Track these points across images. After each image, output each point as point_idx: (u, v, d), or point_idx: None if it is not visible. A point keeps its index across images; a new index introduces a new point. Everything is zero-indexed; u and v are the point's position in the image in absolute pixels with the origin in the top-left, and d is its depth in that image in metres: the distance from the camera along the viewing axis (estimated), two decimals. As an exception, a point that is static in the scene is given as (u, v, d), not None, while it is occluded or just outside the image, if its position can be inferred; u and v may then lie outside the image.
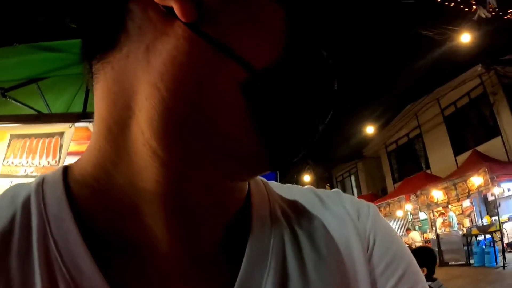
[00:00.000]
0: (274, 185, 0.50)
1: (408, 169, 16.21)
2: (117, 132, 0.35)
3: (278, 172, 4.88)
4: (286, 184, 0.52)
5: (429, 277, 3.02)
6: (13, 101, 2.65)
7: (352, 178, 22.04)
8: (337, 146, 21.96)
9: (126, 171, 0.35)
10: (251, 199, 0.43)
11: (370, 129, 16.91)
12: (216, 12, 0.31)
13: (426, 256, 3.15)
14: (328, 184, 25.01)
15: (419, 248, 3.68)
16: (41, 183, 0.37)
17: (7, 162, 2.39)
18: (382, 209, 15.03)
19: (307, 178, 26.12)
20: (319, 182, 25.73)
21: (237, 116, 0.33)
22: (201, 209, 0.38)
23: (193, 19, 0.31)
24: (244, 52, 0.32)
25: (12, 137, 2.41)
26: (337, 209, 0.47)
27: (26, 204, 0.35)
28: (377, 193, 18.28)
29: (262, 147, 0.35)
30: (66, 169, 0.39)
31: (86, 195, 0.37)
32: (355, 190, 21.58)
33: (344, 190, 22.93)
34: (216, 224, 0.40)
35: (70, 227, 0.34)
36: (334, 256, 0.42)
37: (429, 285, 2.84)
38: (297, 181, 29.47)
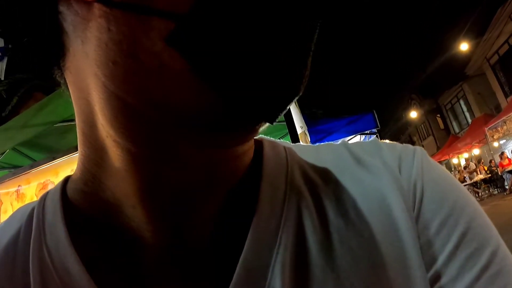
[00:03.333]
0: (299, 147, 0.44)
1: (518, 77, 14.59)
2: (88, 132, 0.35)
3: (374, 113, 4.83)
4: (316, 144, 0.45)
5: None
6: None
7: (461, 102, 20.39)
8: (436, 73, 20.54)
9: (105, 168, 0.35)
10: (263, 166, 0.38)
11: (464, 46, 15.57)
12: None
13: None
14: (438, 115, 23.57)
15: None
16: (45, 196, 0.39)
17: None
18: (499, 128, 13.88)
19: (414, 114, 24.91)
20: (428, 115, 24.38)
21: (182, 77, 0.29)
22: (182, 190, 0.35)
23: None
24: (164, 1, 0.28)
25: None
26: (373, 163, 0.39)
27: (30, 216, 0.38)
28: (491, 113, 16.74)
29: (227, 104, 0.30)
30: (67, 179, 0.40)
31: (78, 199, 0.37)
32: (467, 114, 20.01)
33: (455, 116, 21.68)
34: (210, 202, 0.36)
35: (60, 232, 0.35)
36: (366, 220, 0.36)
37: None
38: (403, 117, 28.04)
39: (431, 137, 24.99)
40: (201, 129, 0.32)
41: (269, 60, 0.29)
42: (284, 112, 0.33)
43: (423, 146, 26.67)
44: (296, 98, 0.33)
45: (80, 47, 0.32)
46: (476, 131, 16.03)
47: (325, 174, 0.40)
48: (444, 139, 21.91)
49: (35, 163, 2.74)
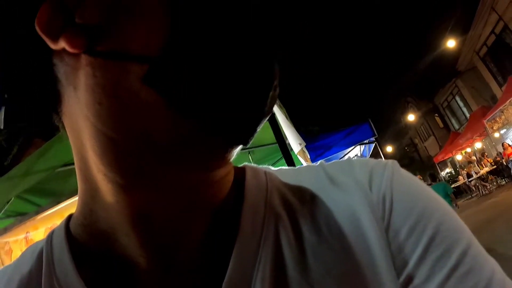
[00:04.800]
0: (281, 171, 0.47)
1: (509, 66, 14.65)
2: (84, 169, 0.38)
3: (370, 122, 4.76)
4: (296, 167, 0.48)
5: None
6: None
7: (457, 98, 20.45)
8: (428, 73, 20.67)
9: (99, 201, 0.38)
10: (245, 191, 0.41)
11: (451, 43, 15.75)
12: (103, 27, 0.32)
13: None
14: (436, 115, 23.59)
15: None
16: (51, 234, 0.42)
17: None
18: (497, 119, 13.88)
19: (411, 117, 24.93)
20: (426, 116, 24.40)
21: (159, 111, 0.33)
22: (170, 215, 0.38)
23: (85, 45, 0.33)
24: (139, 47, 0.32)
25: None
26: (345, 181, 0.42)
27: (40, 255, 0.40)
28: (488, 104, 16.76)
29: (205, 132, 0.34)
30: (70, 217, 0.43)
31: (80, 233, 0.40)
32: (464, 109, 20.03)
33: (453, 113, 21.78)
34: (196, 225, 0.39)
35: (68, 266, 0.38)
36: (337, 234, 0.38)
37: None
38: (402, 121, 28.09)
39: (432, 137, 24.98)
40: (181, 155, 0.35)
41: (234, 90, 0.34)
42: (255, 134, 0.37)
43: (425, 147, 26.67)
44: (265, 120, 0.37)
45: (73, 93, 0.36)
46: (475, 125, 16.03)
47: (302, 195, 0.43)
48: (445, 137, 21.87)
49: (40, 209, 2.76)
